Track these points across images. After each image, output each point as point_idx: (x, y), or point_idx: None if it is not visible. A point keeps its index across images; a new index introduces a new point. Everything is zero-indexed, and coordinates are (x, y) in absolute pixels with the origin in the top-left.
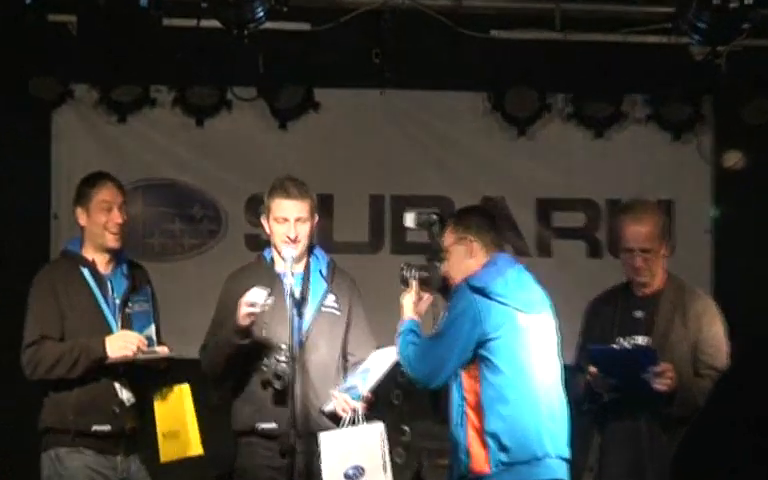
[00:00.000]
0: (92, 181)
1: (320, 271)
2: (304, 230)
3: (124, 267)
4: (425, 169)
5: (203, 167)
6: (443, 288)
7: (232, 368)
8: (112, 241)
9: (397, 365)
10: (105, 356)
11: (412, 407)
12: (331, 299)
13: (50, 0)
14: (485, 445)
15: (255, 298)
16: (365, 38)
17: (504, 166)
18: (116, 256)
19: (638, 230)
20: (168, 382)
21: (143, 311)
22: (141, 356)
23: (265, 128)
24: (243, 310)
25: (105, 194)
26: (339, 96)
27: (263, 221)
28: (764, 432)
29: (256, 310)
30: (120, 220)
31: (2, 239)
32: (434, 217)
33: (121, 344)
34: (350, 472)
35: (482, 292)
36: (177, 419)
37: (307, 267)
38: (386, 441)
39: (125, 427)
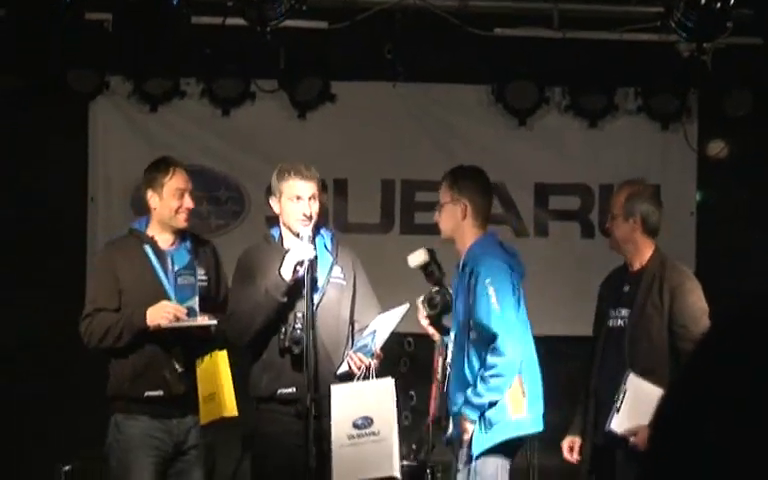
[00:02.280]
0: (165, 168)
1: (325, 246)
2: (316, 207)
3: (188, 243)
4: (433, 156)
5: (228, 153)
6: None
7: (268, 328)
8: (182, 222)
9: (404, 335)
10: (145, 325)
11: (418, 373)
12: (337, 271)
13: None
14: (524, 393)
15: (303, 254)
16: (378, 35)
17: (505, 153)
18: (180, 234)
19: (614, 196)
20: (208, 349)
21: (188, 284)
22: (177, 324)
23: (286, 118)
24: (290, 266)
25: (179, 182)
26: (354, 88)
27: (272, 202)
28: (742, 406)
29: (305, 263)
30: (192, 205)
31: (43, 220)
32: (427, 258)
33: (157, 314)
34: (359, 422)
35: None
36: (213, 383)
37: (314, 243)
38: (395, 396)
39: (176, 393)
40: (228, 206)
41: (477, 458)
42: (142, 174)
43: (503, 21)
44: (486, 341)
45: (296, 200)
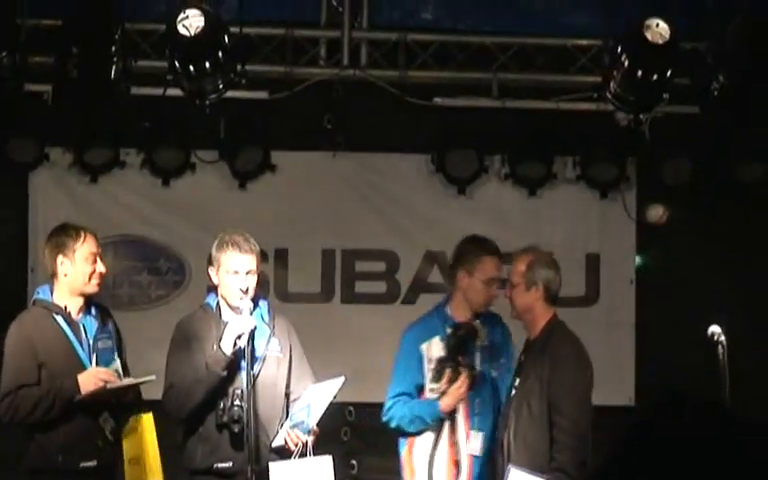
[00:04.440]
0: (75, 233)
1: (262, 317)
2: (253, 282)
3: (92, 310)
4: (373, 225)
5: (169, 224)
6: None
7: (207, 402)
8: (94, 288)
9: (345, 405)
10: (79, 393)
11: (359, 443)
12: (274, 343)
13: (27, 71)
14: None
15: (242, 327)
16: (318, 105)
17: (446, 222)
18: (87, 301)
19: (513, 265)
20: (135, 412)
21: (107, 348)
22: (111, 386)
23: (226, 188)
24: (231, 339)
25: (91, 246)
26: (294, 158)
27: (211, 272)
28: None
29: (244, 337)
30: (104, 270)
31: None
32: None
33: (92, 380)
34: None
35: None
36: (139, 446)
37: (251, 314)
38: (333, 473)
39: (108, 461)
40: (168, 276)
41: None
42: None
43: (442, 91)
44: None
45: (233, 274)
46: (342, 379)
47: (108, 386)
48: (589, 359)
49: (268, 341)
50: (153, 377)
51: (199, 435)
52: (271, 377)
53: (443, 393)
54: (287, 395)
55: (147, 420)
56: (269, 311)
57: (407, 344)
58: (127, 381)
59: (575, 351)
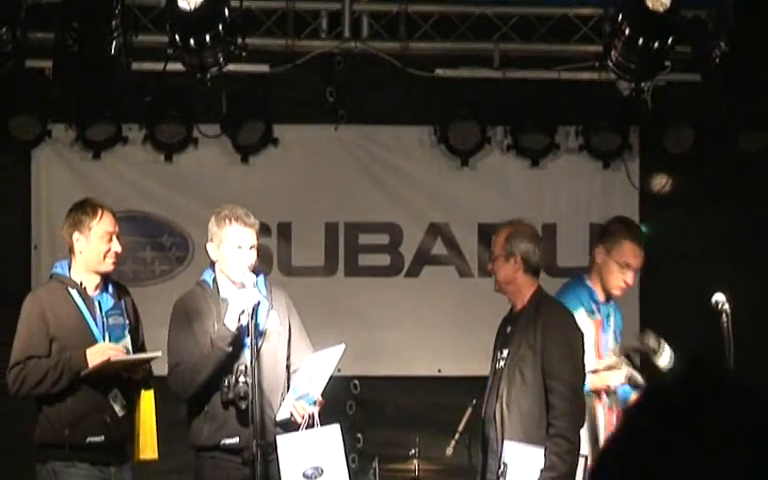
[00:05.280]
0: (93, 211)
1: (260, 291)
2: (255, 256)
3: (110, 287)
4: (376, 198)
5: (172, 199)
6: None
7: (213, 379)
8: (110, 267)
9: (350, 378)
10: (87, 367)
11: (365, 416)
12: (273, 316)
13: (27, 47)
14: None
15: (246, 302)
16: (320, 78)
17: (449, 194)
18: (104, 278)
19: (495, 237)
20: (138, 388)
21: (118, 324)
22: (115, 359)
23: (228, 162)
24: (235, 315)
25: (107, 225)
26: (296, 132)
27: (209, 248)
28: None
29: (248, 312)
30: (120, 249)
31: None
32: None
33: (98, 354)
34: (309, 472)
35: None
36: (137, 423)
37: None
38: (342, 442)
39: (117, 437)
40: (172, 252)
41: None
42: None
43: (444, 62)
44: None
45: (237, 249)
46: (342, 347)
47: (112, 358)
48: (579, 326)
49: (267, 315)
50: (159, 353)
51: (205, 413)
52: (272, 351)
53: (594, 371)
54: (288, 367)
55: (147, 397)
56: (266, 285)
57: None
58: (132, 356)
59: (567, 319)
